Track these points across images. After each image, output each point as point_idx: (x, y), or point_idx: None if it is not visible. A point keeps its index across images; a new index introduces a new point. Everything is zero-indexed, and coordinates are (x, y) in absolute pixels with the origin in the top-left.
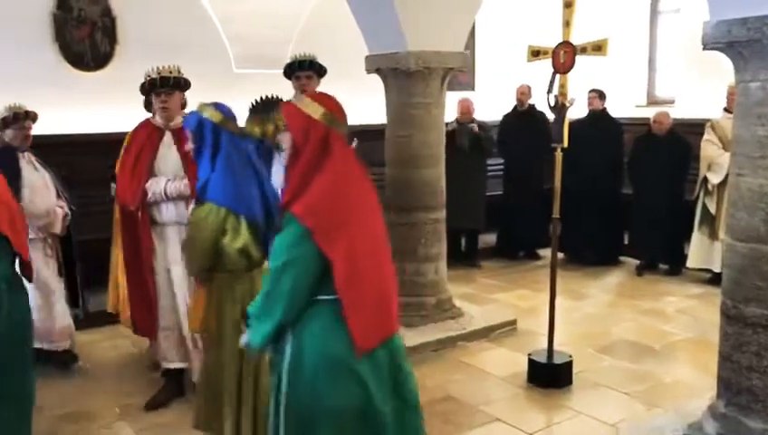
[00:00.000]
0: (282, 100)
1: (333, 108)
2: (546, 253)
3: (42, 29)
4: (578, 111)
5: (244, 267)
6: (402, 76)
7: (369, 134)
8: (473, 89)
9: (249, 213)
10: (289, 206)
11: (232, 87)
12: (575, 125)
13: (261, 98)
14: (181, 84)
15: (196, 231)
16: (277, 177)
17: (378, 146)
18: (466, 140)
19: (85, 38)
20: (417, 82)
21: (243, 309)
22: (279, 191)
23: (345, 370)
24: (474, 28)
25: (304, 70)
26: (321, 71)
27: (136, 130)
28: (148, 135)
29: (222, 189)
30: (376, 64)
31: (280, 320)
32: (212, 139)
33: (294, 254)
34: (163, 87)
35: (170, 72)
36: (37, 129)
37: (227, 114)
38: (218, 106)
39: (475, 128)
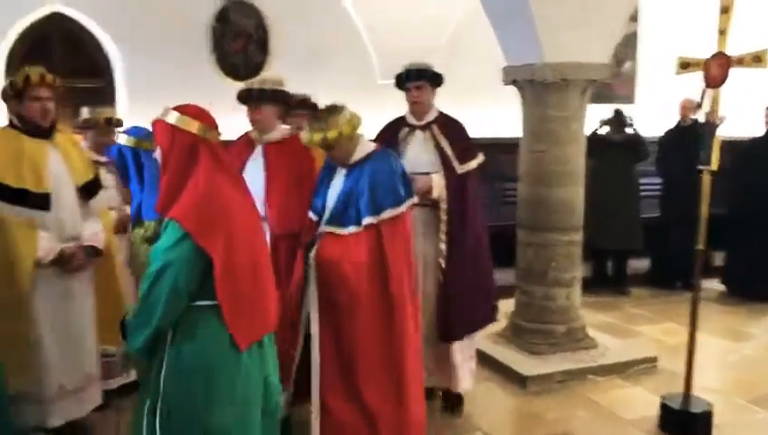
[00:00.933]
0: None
1: (203, 118)
2: (708, 284)
3: (201, 42)
4: (755, 129)
5: None
6: (538, 88)
7: (504, 147)
8: (632, 102)
9: None
10: (165, 212)
11: (375, 98)
12: (749, 144)
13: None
14: (271, 96)
15: (137, 249)
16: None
17: (512, 160)
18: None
19: (240, 50)
20: (554, 95)
21: None
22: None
23: (225, 379)
24: (635, 38)
25: (413, 80)
26: (435, 79)
27: (234, 142)
28: (241, 148)
29: (152, 206)
30: (512, 76)
31: (158, 324)
32: (133, 162)
33: (172, 256)
34: (249, 100)
35: (261, 84)
36: None
37: (140, 135)
38: (129, 131)
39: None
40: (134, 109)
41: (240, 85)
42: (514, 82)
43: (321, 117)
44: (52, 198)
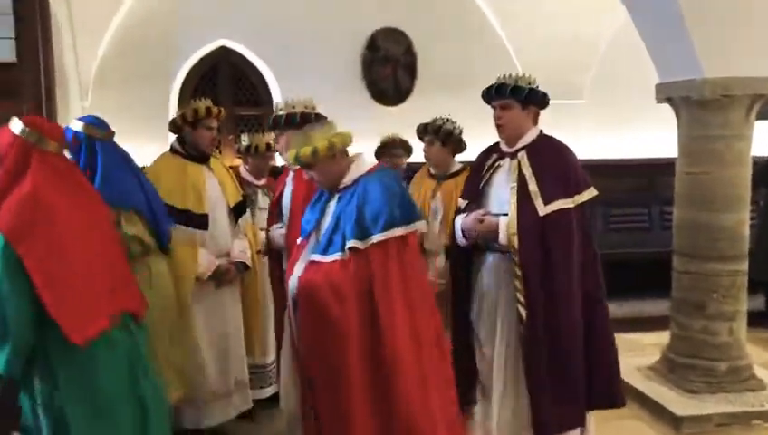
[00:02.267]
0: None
1: (44, 128)
2: None
3: (352, 69)
4: None
5: (140, 253)
6: (695, 105)
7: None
8: None
9: (133, 205)
10: None
11: None
12: None
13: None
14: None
15: None
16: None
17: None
18: None
19: (389, 75)
20: (715, 112)
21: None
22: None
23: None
24: None
25: (496, 98)
26: (523, 96)
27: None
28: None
29: (105, 194)
30: (666, 93)
31: (14, 345)
32: (86, 149)
33: (6, 287)
34: (276, 127)
35: (288, 109)
36: None
37: (93, 123)
38: (82, 118)
39: None
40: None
41: (390, 109)
42: (669, 100)
43: (301, 132)
44: (210, 218)
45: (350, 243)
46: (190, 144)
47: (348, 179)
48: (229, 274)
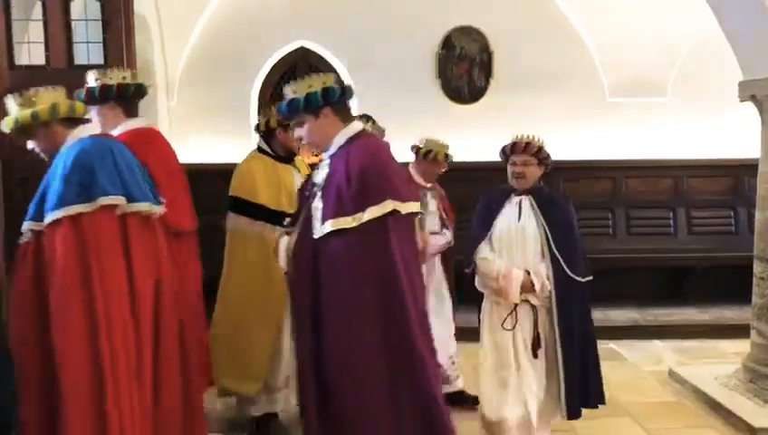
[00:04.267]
0: None
1: None
2: None
3: (427, 68)
4: None
5: None
6: None
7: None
8: None
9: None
10: None
11: (605, 116)
12: None
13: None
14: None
15: None
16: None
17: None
18: None
19: (463, 74)
20: None
21: None
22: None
23: None
24: None
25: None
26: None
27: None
28: None
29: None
30: (750, 91)
31: None
32: None
33: None
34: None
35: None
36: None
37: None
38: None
39: None
40: None
41: (464, 108)
42: (752, 98)
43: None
44: None
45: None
46: (279, 144)
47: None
48: None
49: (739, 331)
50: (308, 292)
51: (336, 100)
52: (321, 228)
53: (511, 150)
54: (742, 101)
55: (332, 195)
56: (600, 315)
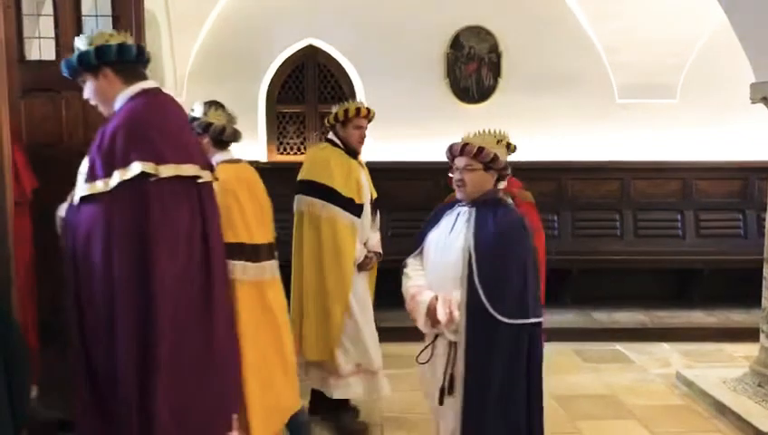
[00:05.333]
0: None
1: None
2: None
3: (435, 67)
4: None
5: None
6: None
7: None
8: None
9: None
10: None
11: (614, 118)
12: None
13: None
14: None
15: None
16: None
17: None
18: None
19: (472, 73)
20: None
21: None
22: None
23: None
24: None
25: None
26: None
27: None
28: None
29: None
30: (761, 93)
31: None
32: None
33: None
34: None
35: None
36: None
37: None
38: None
39: None
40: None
41: (472, 108)
42: (764, 100)
43: None
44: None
45: None
46: (341, 140)
47: None
48: (372, 262)
49: (747, 334)
50: (69, 263)
51: (113, 59)
52: (78, 193)
53: (449, 152)
54: (753, 102)
55: (90, 158)
56: (607, 317)
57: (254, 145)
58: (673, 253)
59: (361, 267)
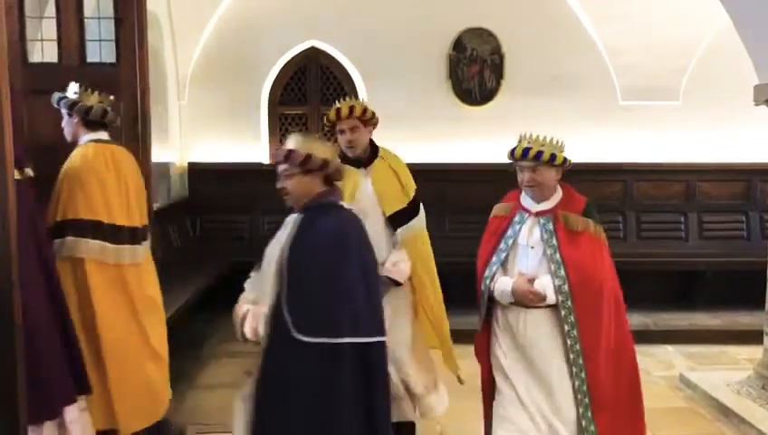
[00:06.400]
0: None
1: None
2: None
3: (438, 69)
4: None
5: None
6: None
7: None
8: None
9: None
10: None
11: (617, 120)
12: None
13: None
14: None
15: None
16: None
17: None
18: None
19: (474, 75)
20: None
21: None
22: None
23: None
24: None
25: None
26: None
27: None
28: None
29: None
30: (765, 95)
31: None
32: None
33: None
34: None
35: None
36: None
37: None
38: None
39: None
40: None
41: (475, 109)
42: (767, 102)
43: None
44: None
45: None
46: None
47: None
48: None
49: (751, 336)
50: None
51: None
52: None
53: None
54: (757, 104)
55: None
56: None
57: (256, 147)
58: (676, 255)
59: None
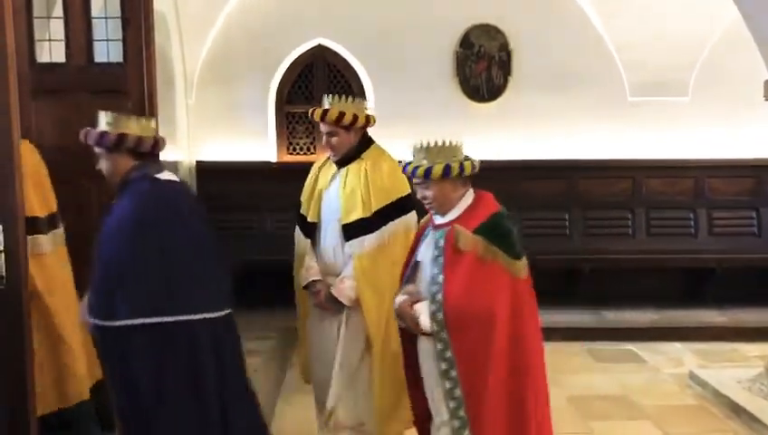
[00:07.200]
0: None
1: None
2: None
3: (445, 66)
4: None
5: None
6: None
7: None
8: None
9: None
10: None
11: (626, 116)
12: None
13: None
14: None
15: None
16: None
17: None
18: None
19: (482, 72)
20: None
21: None
22: None
23: None
24: None
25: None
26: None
27: None
28: None
29: None
30: None
31: None
32: None
33: None
34: None
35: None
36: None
37: None
38: None
39: None
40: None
41: (482, 106)
42: None
43: None
44: (320, 230)
45: None
46: None
47: None
48: (317, 296)
49: (761, 334)
50: None
51: None
52: None
53: None
54: (766, 100)
55: None
56: (619, 317)
57: (263, 145)
58: (685, 251)
59: (314, 301)
